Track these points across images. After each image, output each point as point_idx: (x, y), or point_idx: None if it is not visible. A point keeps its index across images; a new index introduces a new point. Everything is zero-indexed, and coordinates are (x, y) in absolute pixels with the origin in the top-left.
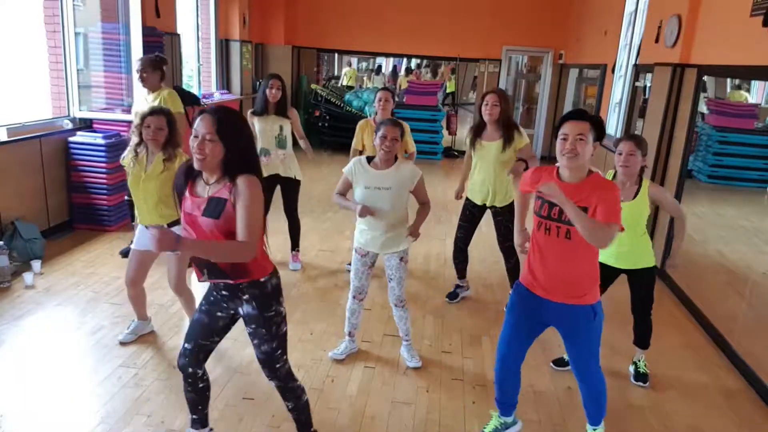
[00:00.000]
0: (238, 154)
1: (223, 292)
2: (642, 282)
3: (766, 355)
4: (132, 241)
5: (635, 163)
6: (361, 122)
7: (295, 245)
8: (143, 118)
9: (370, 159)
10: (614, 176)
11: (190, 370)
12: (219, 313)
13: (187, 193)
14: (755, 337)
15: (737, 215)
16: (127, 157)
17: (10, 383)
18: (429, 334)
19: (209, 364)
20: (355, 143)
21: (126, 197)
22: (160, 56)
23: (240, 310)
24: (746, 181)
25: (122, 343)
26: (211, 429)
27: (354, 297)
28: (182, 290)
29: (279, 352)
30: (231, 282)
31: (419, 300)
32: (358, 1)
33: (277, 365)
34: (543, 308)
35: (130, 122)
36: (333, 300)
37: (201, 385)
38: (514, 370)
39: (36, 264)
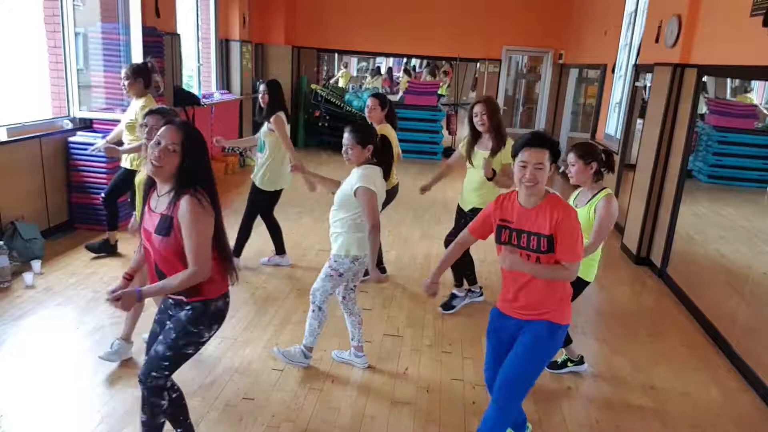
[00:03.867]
0: (192, 170)
1: (170, 302)
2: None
3: (766, 355)
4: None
5: (577, 172)
6: None
7: (278, 249)
8: (144, 117)
9: None
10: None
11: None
12: (167, 322)
13: (146, 208)
14: (755, 337)
15: (737, 215)
16: (131, 161)
17: (10, 383)
18: (429, 334)
19: (209, 364)
20: None
21: (103, 194)
22: (147, 62)
23: (174, 312)
24: (746, 181)
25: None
26: None
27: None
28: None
29: (166, 363)
30: (184, 299)
31: (419, 300)
32: (358, 1)
33: (154, 373)
34: (512, 329)
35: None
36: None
37: (174, 396)
38: None
39: (36, 264)
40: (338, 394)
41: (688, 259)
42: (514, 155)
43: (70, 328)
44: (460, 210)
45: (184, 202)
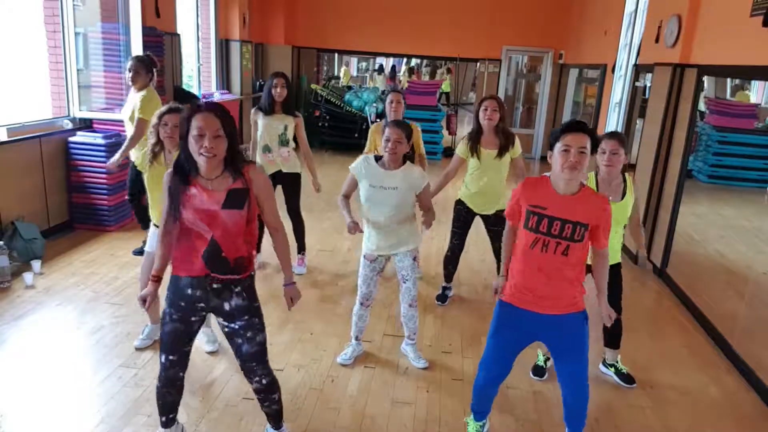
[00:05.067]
0: (236, 146)
1: (214, 286)
2: (613, 280)
3: (766, 355)
4: (144, 242)
5: (619, 162)
6: (373, 127)
7: (301, 248)
8: (160, 116)
9: (378, 158)
10: (596, 175)
11: (180, 374)
12: (193, 318)
13: (195, 190)
14: (755, 337)
15: (737, 215)
16: (140, 157)
17: (10, 383)
18: (429, 334)
19: (209, 364)
20: (368, 148)
21: (127, 196)
22: (150, 56)
23: (226, 305)
24: (746, 181)
25: (138, 349)
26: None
27: (361, 303)
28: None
29: (266, 346)
30: (236, 277)
31: (419, 300)
32: (358, 1)
33: (267, 357)
34: (535, 324)
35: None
36: (333, 300)
37: (181, 384)
38: (498, 386)
39: (36, 264)
40: (338, 394)
41: (688, 259)
42: (554, 141)
43: (70, 328)
44: (463, 209)
45: (256, 173)
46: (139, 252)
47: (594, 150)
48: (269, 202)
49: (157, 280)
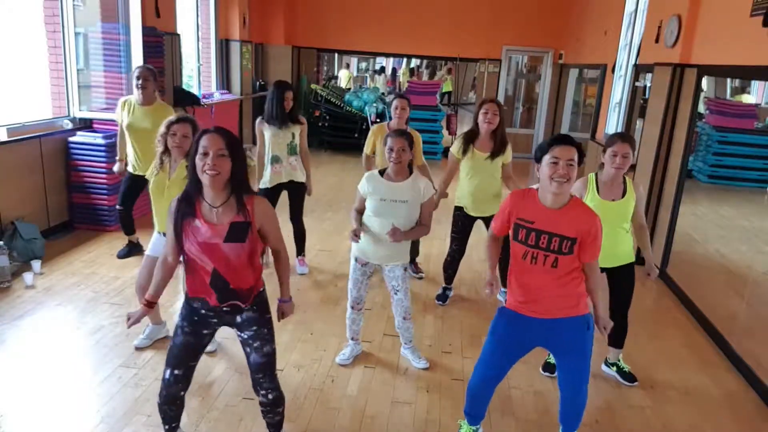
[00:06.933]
0: (241, 171)
1: (224, 309)
2: (624, 279)
3: (766, 355)
4: (129, 243)
5: (628, 164)
6: (374, 127)
7: (300, 251)
8: (169, 126)
9: (382, 172)
10: (596, 176)
11: (182, 393)
12: (205, 331)
13: (198, 222)
14: (755, 337)
15: (737, 215)
16: (150, 168)
17: (10, 383)
18: (429, 334)
19: (209, 364)
20: (367, 148)
21: (117, 206)
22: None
23: (237, 318)
24: (746, 181)
25: (138, 348)
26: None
27: (353, 307)
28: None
29: (275, 354)
30: (242, 305)
31: (419, 300)
32: (358, 1)
33: (275, 371)
34: (534, 328)
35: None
36: (333, 300)
37: (181, 403)
38: (492, 389)
39: (36, 264)
40: (338, 394)
41: (688, 259)
42: (542, 154)
43: (70, 328)
44: (461, 213)
45: (259, 203)
46: (124, 255)
47: (581, 163)
48: (273, 229)
49: (150, 305)
